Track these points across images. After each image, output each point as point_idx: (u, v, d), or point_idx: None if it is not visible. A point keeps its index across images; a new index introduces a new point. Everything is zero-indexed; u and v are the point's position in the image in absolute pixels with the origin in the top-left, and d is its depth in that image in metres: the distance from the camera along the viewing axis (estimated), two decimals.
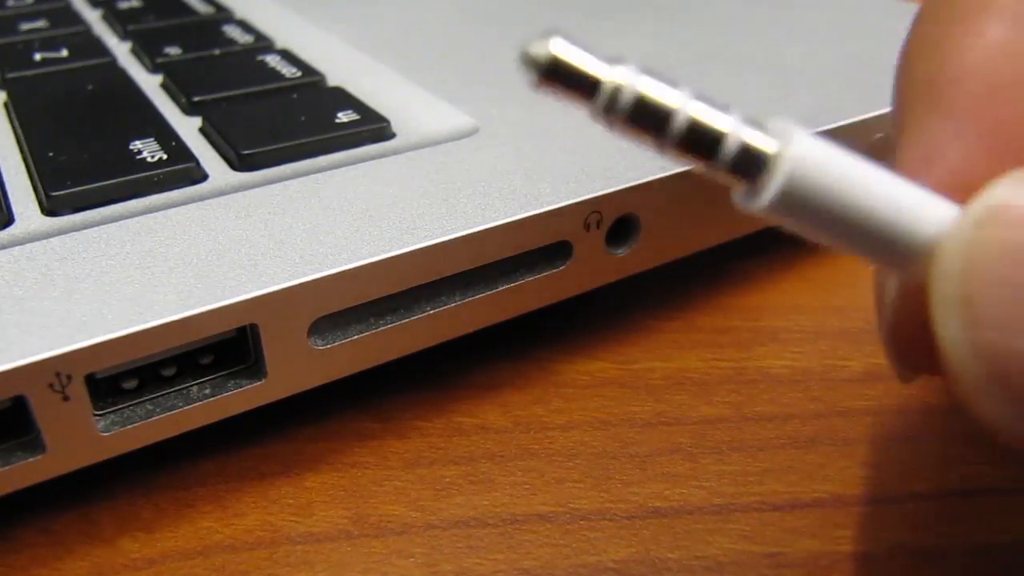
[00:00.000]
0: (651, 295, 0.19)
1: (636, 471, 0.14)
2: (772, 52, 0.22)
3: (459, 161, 0.17)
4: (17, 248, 0.14)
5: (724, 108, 0.09)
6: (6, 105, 0.19)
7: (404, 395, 0.16)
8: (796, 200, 0.09)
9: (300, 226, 0.14)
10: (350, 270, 0.13)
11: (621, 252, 0.16)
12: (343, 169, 0.16)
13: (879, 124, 0.19)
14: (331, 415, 0.16)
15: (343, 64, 0.21)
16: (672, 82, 0.08)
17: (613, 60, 0.08)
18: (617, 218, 0.16)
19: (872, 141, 0.19)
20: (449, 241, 0.14)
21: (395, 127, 0.18)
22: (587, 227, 0.15)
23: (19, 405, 0.12)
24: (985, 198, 0.09)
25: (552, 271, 0.16)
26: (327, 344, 0.14)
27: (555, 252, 0.16)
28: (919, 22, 0.11)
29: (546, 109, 0.19)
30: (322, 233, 0.14)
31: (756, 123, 0.09)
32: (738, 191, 0.09)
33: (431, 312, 0.15)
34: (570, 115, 0.18)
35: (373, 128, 0.17)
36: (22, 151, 0.17)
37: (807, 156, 0.09)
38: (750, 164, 0.09)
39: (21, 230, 0.14)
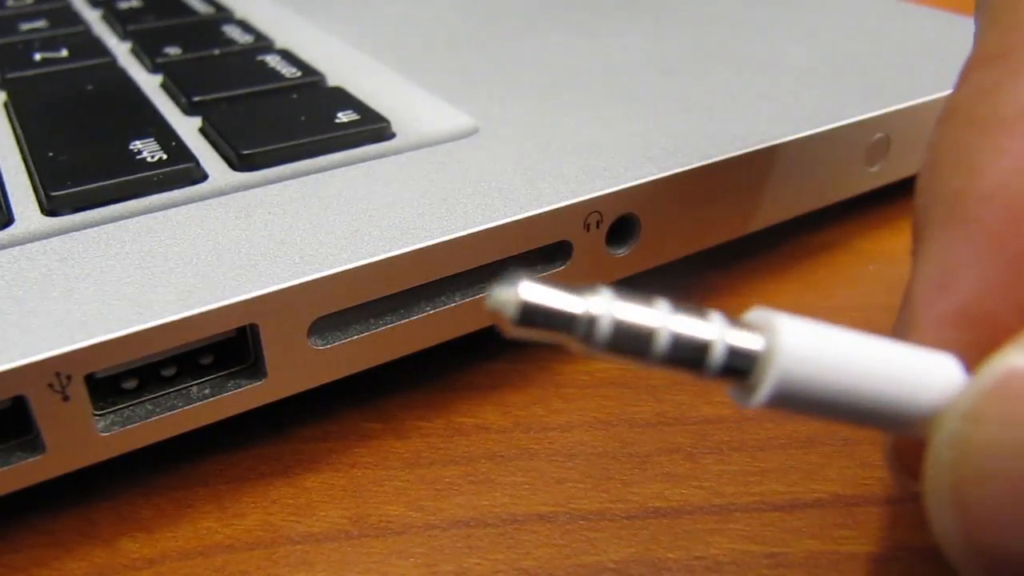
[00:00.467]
0: (651, 295, 0.19)
1: (636, 471, 0.14)
2: (772, 52, 0.22)
3: (459, 161, 0.17)
4: (17, 248, 0.14)
5: (704, 315, 0.08)
6: (6, 105, 0.19)
7: (404, 395, 0.16)
8: (791, 394, 0.08)
9: (300, 226, 0.14)
10: (350, 270, 0.13)
11: (621, 252, 0.16)
12: (343, 169, 0.16)
13: (879, 124, 0.19)
14: (331, 415, 0.16)
15: (343, 64, 0.21)
16: (648, 300, 0.08)
17: (585, 291, 0.08)
18: (617, 218, 0.16)
19: (872, 141, 0.19)
20: (449, 241, 0.14)
21: (395, 127, 0.18)
22: (587, 227, 0.15)
23: (19, 405, 0.12)
24: (979, 382, 0.08)
25: (552, 271, 0.16)
26: (327, 344, 0.14)
27: (555, 252, 0.16)
28: (943, 131, 0.10)
29: (546, 109, 0.19)
30: (322, 233, 0.14)
31: (738, 323, 0.09)
32: (732, 389, 0.09)
33: (431, 312, 0.15)
34: (570, 115, 0.18)
35: (373, 128, 0.17)
36: (22, 151, 0.17)
37: (795, 350, 0.08)
38: (740, 367, 0.08)
39: (21, 230, 0.14)
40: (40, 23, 0.24)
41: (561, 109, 0.19)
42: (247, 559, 0.13)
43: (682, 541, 0.13)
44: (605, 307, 0.08)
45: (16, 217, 0.15)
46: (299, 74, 0.20)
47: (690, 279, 0.19)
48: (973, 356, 0.09)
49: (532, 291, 0.08)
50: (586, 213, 0.15)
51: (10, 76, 0.20)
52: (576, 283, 0.08)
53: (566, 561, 0.13)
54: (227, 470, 0.14)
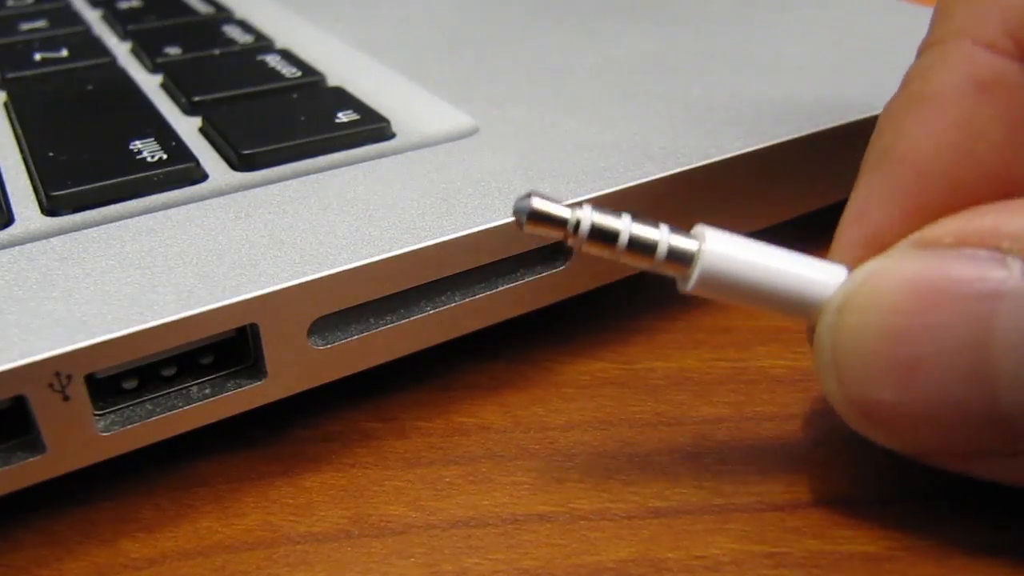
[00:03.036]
0: (651, 295, 0.19)
1: (636, 471, 0.14)
2: (772, 52, 0.22)
3: (459, 161, 0.17)
4: (17, 248, 0.14)
5: (655, 224, 0.12)
6: (6, 105, 0.19)
7: (404, 395, 0.16)
8: (713, 282, 0.12)
9: (300, 226, 0.14)
10: (350, 270, 0.13)
11: None
12: (343, 169, 0.16)
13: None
14: (331, 415, 0.16)
15: (343, 64, 0.21)
16: (617, 213, 0.12)
17: (574, 205, 0.12)
18: None
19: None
20: (449, 241, 0.14)
21: (395, 127, 0.18)
22: None
23: (19, 405, 0.12)
24: (847, 283, 0.12)
25: (552, 271, 0.16)
26: (327, 344, 0.14)
27: (555, 252, 0.16)
28: (890, 100, 0.13)
29: (546, 109, 0.19)
30: (322, 233, 0.14)
31: (680, 231, 0.12)
32: (677, 279, 0.12)
33: (431, 312, 0.15)
34: (570, 115, 0.18)
35: (373, 128, 0.17)
36: (22, 151, 0.17)
37: (716, 249, 0.12)
38: (679, 260, 0.12)
39: (21, 230, 0.14)
40: (40, 23, 0.24)
41: (561, 109, 0.19)
42: (247, 559, 0.13)
43: (682, 541, 0.13)
44: (587, 215, 0.12)
45: (16, 217, 0.15)
46: (299, 74, 0.20)
47: None
48: None
49: (539, 202, 0.12)
50: None
51: (10, 76, 0.20)
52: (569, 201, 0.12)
53: (566, 561, 0.13)
54: (227, 470, 0.14)
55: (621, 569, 0.13)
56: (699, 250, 0.12)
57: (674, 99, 0.19)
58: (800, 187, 0.19)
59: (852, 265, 0.12)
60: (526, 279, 0.15)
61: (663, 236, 0.12)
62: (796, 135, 0.18)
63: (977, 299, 0.11)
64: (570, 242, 0.12)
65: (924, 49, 0.13)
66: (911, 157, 0.12)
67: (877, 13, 0.26)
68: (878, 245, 0.12)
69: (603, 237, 0.12)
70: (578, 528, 0.13)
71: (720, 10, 0.26)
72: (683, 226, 0.13)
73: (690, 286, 0.12)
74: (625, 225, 0.12)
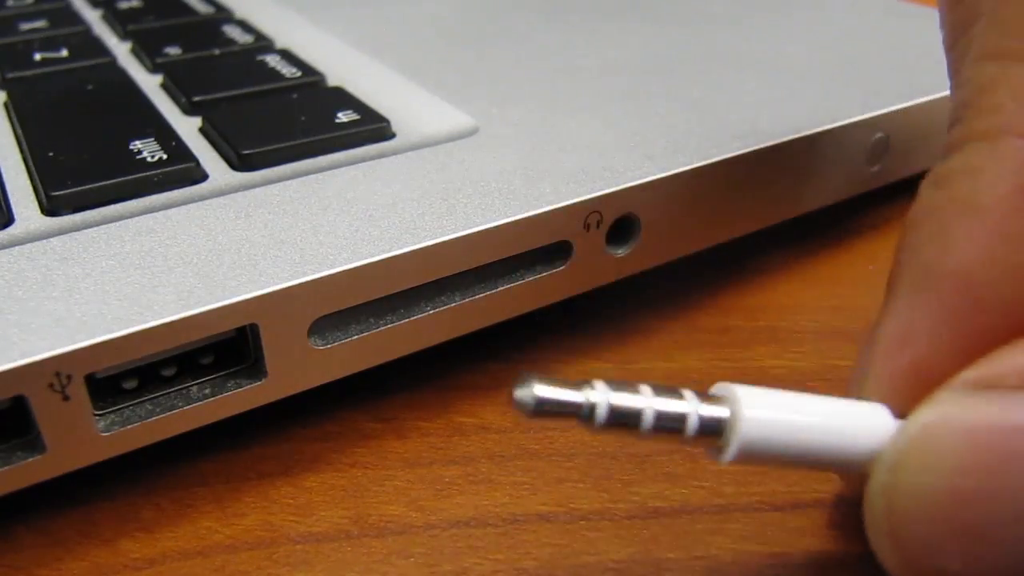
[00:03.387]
0: (651, 295, 0.19)
1: (636, 471, 0.14)
2: (772, 52, 0.22)
3: (459, 161, 0.17)
4: (17, 248, 0.14)
5: (679, 394, 0.10)
6: (6, 105, 0.19)
7: (404, 395, 0.16)
8: (753, 452, 0.11)
9: (300, 226, 0.14)
10: (350, 270, 0.13)
11: (621, 252, 0.16)
12: (343, 169, 0.16)
13: (879, 124, 0.19)
14: (331, 415, 0.16)
15: (343, 64, 0.21)
16: (634, 387, 0.10)
17: (584, 384, 0.10)
18: (617, 218, 0.16)
19: (872, 141, 0.19)
20: (449, 241, 0.14)
21: (395, 127, 0.18)
22: (587, 227, 0.15)
23: (19, 405, 0.12)
24: (900, 436, 0.10)
25: (552, 271, 0.16)
26: (327, 344, 0.14)
27: (555, 252, 0.16)
28: (928, 197, 0.12)
29: (546, 109, 0.19)
30: (322, 233, 0.14)
31: (707, 397, 0.11)
32: (708, 450, 0.11)
33: (431, 312, 0.15)
34: (570, 115, 0.18)
35: (373, 128, 0.17)
36: (22, 151, 0.17)
37: (753, 417, 0.10)
38: (712, 432, 0.10)
39: (21, 230, 0.14)
40: (40, 23, 0.24)
41: (561, 109, 0.19)
42: (247, 559, 0.13)
43: (682, 541, 0.13)
44: (601, 396, 0.10)
45: (16, 217, 0.15)
46: (299, 74, 0.20)
47: (689, 279, 0.19)
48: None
49: (543, 389, 0.10)
50: (586, 213, 0.15)
51: (10, 76, 0.20)
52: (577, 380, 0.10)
53: (566, 561, 0.13)
54: (227, 470, 0.14)
55: (621, 569, 0.13)
56: (733, 418, 0.11)
57: (674, 99, 0.19)
58: (800, 187, 0.19)
59: (898, 404, 0.11)
60: (526, 279, 0.15)
61: (691, 407, 0.10)
62: (796, 135, 0.18)
63: None
64: (585, 428, 0.10)
65: (965, 142, 0.11)
66: (962, 277, 0.11)
67: (877, 13, 0.26)
68: (926, 379, 0.11)
69: (623, 419, 0.10)
70: (578, 528, 0.13)
71: (720, 10, 0.26)
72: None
73: (729, 457, 0.11)
74: (646, 401, 0.10)
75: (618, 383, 0.10)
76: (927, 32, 0.24)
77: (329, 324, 0.14)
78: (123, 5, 0.26)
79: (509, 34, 0.24)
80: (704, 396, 0.11)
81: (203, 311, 0.12)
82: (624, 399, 0.10)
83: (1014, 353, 0.10)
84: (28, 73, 0.21)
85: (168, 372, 0.13)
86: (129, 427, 0.13)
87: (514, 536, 0.13)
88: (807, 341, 0.17)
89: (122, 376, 0.13)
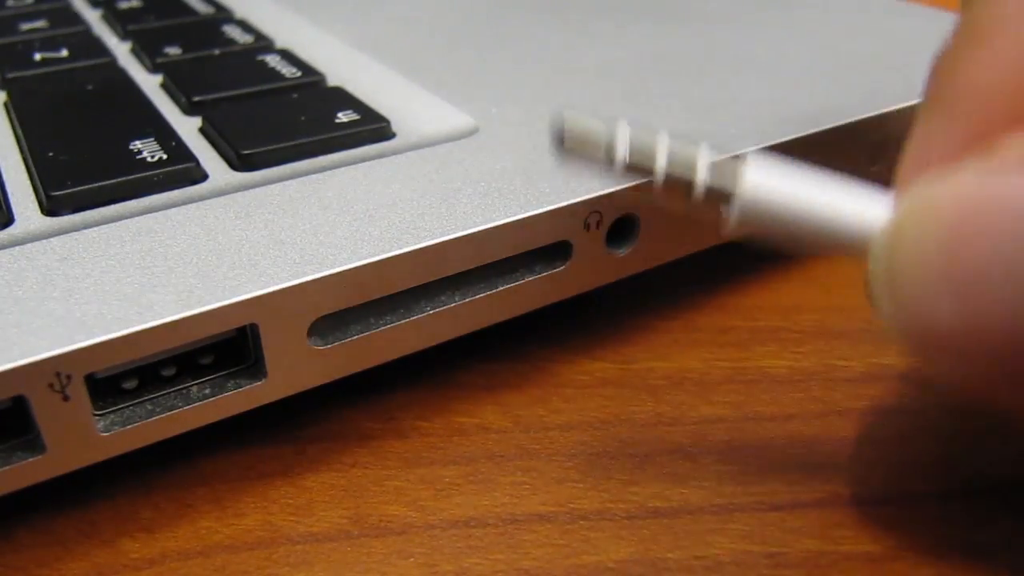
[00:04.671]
0: (651, 295, 0.19)
1: (636, 471, 0.14)
2: (772, 52, 0.22)
3: (459, 161, 0.17)
4: (17, 248, 0.14)
5: (696, 142, 0.11)
6: (6, 105, 0.19)
7: (404, 395, 0.16)
8: (756, 211, 0.11)
9: (300, 226, 0.14)
10: (350, 270, 0.13)
11: (621, 252, 0.16)
12: (343, 169, 0.16)
13: (879, 124, 0.19)
14: (331, 415, 0.16)
15: (343, 64, 0.21)
16: (653, 131, 0.11)
17: (609, 121, 0.11)
18: (617, 218, 0.16)
19: (872, 141, 0.19)
20: (449, 241, 0.14)
21: (395, 127, 0.18)
22: (587, 227, 0.15)
23: (19, 405, 0.12)
24: (903, 203, 0.11)
25: (552, 271, 0.16)
26: (327, 344, 0.14)
27: (555, 252, 0.16)
28: (951, 34, 0.13)
29: (546, 109, 0.19)
30: (322, 233, 0.14)
31: (719, 151, 0.11)
32: (720, 211, 0.11)
33: (431, 312, 0.15)
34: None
35: (373, 128, 0.17)
36: (22, 151, 0.17)
37: (759, 177, 0.11)
38: (719, 188, 0.11)
39: (21, 230, 0.14)
40: (40, 23, 0.24)
41: (561, 109, 0.19)
42: (247, 559, 0.13)
43: (682, 541, 0.13)
44: (623, 130, 0.11)
45: (16, 217, 0.15)
46: (299, 74, 0.20)
47: (689, 279, 0.19)
48: None
49: (572, 121, 0.11)
50: (586, 213, 0.15)
51: (10, 76, 0.20)
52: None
53: (566, 561, 0.13)
54: (227, 470, 0.14)
55: (621, 569, 0.13)
56: (741, 175, 0.11)
57: (674, 99, 0.19)
58: None
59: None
60: (526, 279, 0.15)
61: (705, 154, 0.11)
62: (796, 135, 0.18)
63: None
64: (607, 166, 0.12)
65: None
66: (972, 86, 0.12)
67: (877, 13, 0.26)
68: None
69: (639, 158, 0.11)
70: (578, 528, 0.13)
71: (720, 10, 0.26)
72: None
73: (733, 214, 0.11)
74: (665, 143, 0.11)
75: (640, 126, 0.11)
76: (927, 32, 0.24)
77: (329, 324, 0.14)
78: (123, 5, 0.26)
79: (509, 34, 0.24)
80: (717, 148, 0.12)
81: (203, 311, 0.12)
82: (644, 136, 0.11)
83: (1019, 137, 0.11)
84: (28, 73, 0.21)
85: (168, 372, 0.13)
86: (129, 427, 0.13)
87: (514, 536, 0.13)
88: (807, 341, 0.17)
89: (122, 376, 0.13)
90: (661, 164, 0.11)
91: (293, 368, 0.14)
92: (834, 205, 0.11)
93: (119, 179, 0.15)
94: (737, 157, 0.11)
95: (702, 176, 0.11)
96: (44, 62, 0.21)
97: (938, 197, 0.11)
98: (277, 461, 0.15)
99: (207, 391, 0.13)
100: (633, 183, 0.16)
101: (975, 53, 0.12)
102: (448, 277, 0.15)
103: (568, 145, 0.11)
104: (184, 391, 0.13)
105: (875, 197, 0.12)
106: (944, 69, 0.12)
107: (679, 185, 0.11)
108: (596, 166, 0.11)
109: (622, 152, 0.11)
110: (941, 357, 0.11)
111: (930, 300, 0.11)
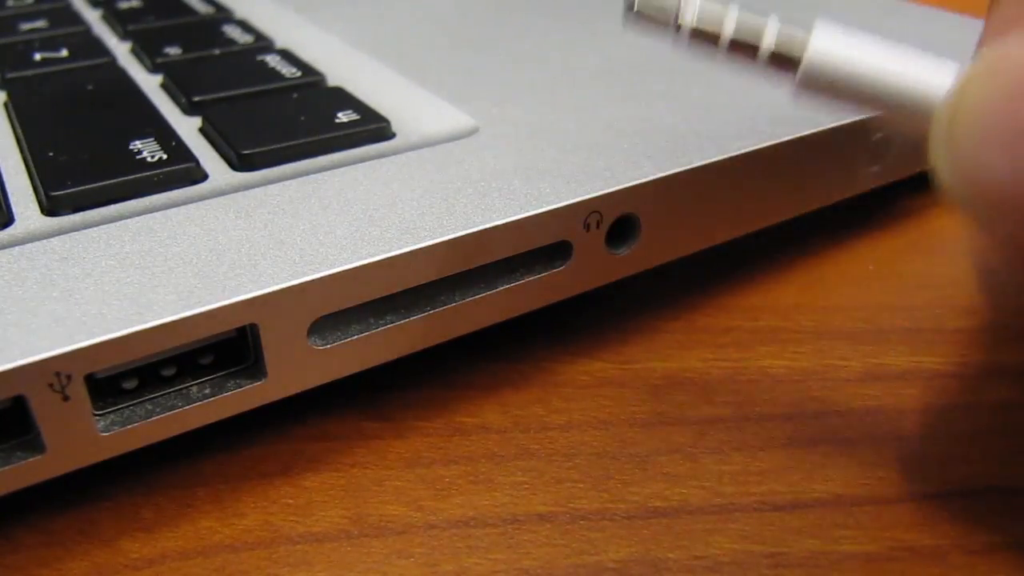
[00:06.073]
0: (651, 295, 0.19)
1: (636, 471, 0.14)
2: None
3: (459, 161, 0.17)
4: (17, 248, 0.14)
5: (764, 13, 0.12)
6: (6, 105, 0.19)
7: (404, 395, 0.16)
8: (821, 73, 0.12)
9: (300, 226, 0.14)
10: (350, 270, 0.13)
11: (621, 252, 0.16)
12: (343, 169, 0.16)
13: (879, 124, 0.19)
14: (331, 415, 0.16)
15: (343, 64, 0.21)
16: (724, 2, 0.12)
17: None
18: (617, 218, 0.16)
19: (872, 141, 0.19)
20: (449, 241, 0.14)
21: (395, 127, 0.18)
22: (587, 227, 0.15)
23: (19, 405, 0.12)
24: (970, 65, 0.11)
25: (552, 271, 0.16)
26: (327, 344, 0.14)
27: (555, 252, 0.16)
28: None
29: (546, 109, 0.19)
30: (322, 233, 0.14)
31: (787, 21, 0.12)
32: (786, 76, 0.12)
33: (431, 312, 0.15)
34: (570, 115, 0.18)
35: (373, 128, 0.17)
36: (22, 151, 0.17)
37: (826, 39, 0.12)
38: (785, 53, 0.12)
39: (21, 230, 0.14)
40: (40, 23, 0.24)
41: (561, 109, 0.19)
42: (247, 559, 0.13)
43: (682, 541, 0.13)
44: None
45: (16, 217, 0.15)
46: (299, 74, 0.20)
47: (689, 279, 0.19)
48: None
49: None
50: (586, 213, 0.15)
51: (10, 76, 0.20)
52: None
53: (566, 561, 0.13)
54: (227, 470, 0.14)
55: (621, 569, 0.13)
56: (806, 39, 0.12)
57: (674, 99, 0.19)
58: (800, 187, 0.19)
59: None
60: (526, 279, 0.15)
61: (772, 24, 0.12)
62: (796, 135, 0.18)
63: None
64: (673, 31, 0.12)
65: None
66: None
67: (877, 13, 0.26)
68: None
69: (710, 23, 0.12)
70: (578, 528, 0.13)
71: None
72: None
73: (798, 78, 0.12)
74: (733, 12, 0.12)
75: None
76: (927, 32, 0.24)
77: (329, 324, 0.14)
78: (123, 5, 0.26)
79: (509, 34, 0.24)
80: (784, 19, 0.12)
81: (203, 311, 0.12)
82: (713, 3, 0.12)
83: None
84: (28, 73, 0.21)
85: (168, 372, 0.13)
86: (129, 427, 0.13)
87: (514, 536, 0.13)
88: (807, 341, 0.17)
89: (122, 376, 0.13)
90: (728, 30, 0.12)
91: (293, 368, 0.14)
92: (901, 72, 0.12)
93: (119, 179, 0.15)
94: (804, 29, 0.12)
95: (768, 43, 0.12)
96: (44, 62, 0.21)
97: (1000, 58, 0.11)
98: (277, 461, 0.15)
99: (207, 391, 0.13)
100: (635, 183, 0.16)
101: None
102: (448, 277, 0.15)
103: (638, 8, 0.12)
104: (184, 391, 0.13)
105: (942, 63, 0.12)
106: None
107: (746, 50, 0.12)
108: (663, 32, 0.12)
109: (690, 17, 0.11)
110: (996, 215, 0.11)
111: (986, 156, 0.11)
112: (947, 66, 0.12)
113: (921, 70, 0.12)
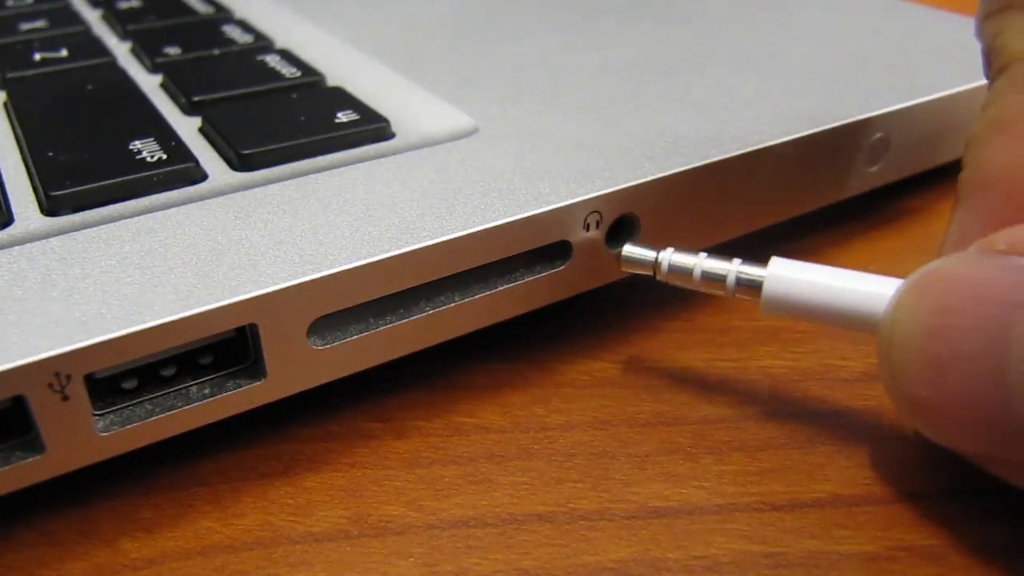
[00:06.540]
0: (651, 295, 0.19)
1: (636, 471, 0.14)
2: (772, 52, 0.22)
3: (459, 161, 0.17)
4: (17, 248, 0.14)
5: (727, 259, 0.15)
6: (6, 105, 0.19)
7: (404, 395, 0.16)
8: (780, 302, 0.14)
9: (300, 226, 0.14)
10: (350, 270, 0.13)
11: None
12: (343, 169, 0.16)
13: (879, 124, 0.19)
14: (331, 415, 0.16)
15: (343, 64, 0.21)
16: (694, 251, 0.15)
17: (658, 248, 0.15)
18: (617, 218, 0.16)
19: (872, 141, 0.19)
20: (449, 241, 0.14)
21: (395, 127, 0.18)
22: (587, 227, 0.15)
23: (19, 405, 0.12)
24: (904, 285, 0.12)
25: (552, 271, 0.16)
26: (327, 344, 0.14)
27: (555, 252, 0.16)
28: (974, 127, 0.14)
29: (546, 109, 0.19)
30: (322, 233, 0.14)
31: (750, 263, 0.14)
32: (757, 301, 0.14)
33: (431, 312, 0.15)
34: (570, 115, 0.18)
35: (373, 128, 0.17)
36: (22, 151, 0.17)
37: (780, 275, 0.14)
38: (749, 287, 0.14)
39: (21, 230, 0.14)
40: (40, 23, 0.24)
41: (561, 109, 0.19)
42: (247, 559, 0.13)
43: (682, 541, 0.13)
44: (667, 255, 0.15)
45: (16, 217, 0.15)
46: (299, 74, 0.20)
47: None
48: None
49: (628, 249, 0.16)
50: (586, 213, 0.15)
51: (10, 76, 0.20)
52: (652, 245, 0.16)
53: (566, 561, 0.13)
54: (227, 470, 0.14)
55: (621, 569, 0.13)
56: (764, 277, 0.14)
57: (674, 99, 0.19)
58: (800, 187, 0.19)
59: None
60: (526, 279, 0.15)
61: (735, 267, 0.14)
62: (796, 135, 0.18)
63: (1000, 306, 0.11)
64: (657, 276, 0.15)
65: (994, 79, 0.14)
66: (998, 181, 0.13)
67: (877, 13, 0.26)
68: None
69: (681, 271, 0.15)
70: (578, 528, 0.13)
71: (720, 10, 0.26)
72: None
73: (762, 306, 0.14)
74: (699, 260, 0.15)
75: (683, 249, 0.15)
76: (927, 32, 0.24)
77: (329, 324, 0.14)
78: (123, 5, 0.26)
79: (509, 34, 0.24)
80: (747, 262, 0.14)
81: (203, 311, 0.12)
82: (684, 257, 0.15)
83: (1016, 227, 0.12)
84: (28, 73, 0.21)
85: (168, 372, 0.13)
86: (129, 427, 0.13)
87: (513, 536, 0.13)
88: (807, 341, 0.17)
89: (122, 376, 0.13)
90: (697, 275, 0.15)
91: (293, 368, 0.14)
92: (847, 292, 0.13)
93: (119, 179, 0.15)
94: (761, 262, 0.14)
95: (731, 282, 0.14)
96: (44, 62, 0.21)
97: (930, 280, 0.12)
98: (277, 461, 0.15)
99: (207, 391, 0.13)
100: (635, 183, 0.16)
101: (1001, 145, 0.13)
102: (448, 277, 0.15)
103: (623, 265, 0.15)
104: (184, 391, 0.13)
105: (885, 282, 0.13)
106: (973, 156, 0.13)
107: (715, 287, 0.15)
108: (646, 273, 0.15)
109: (665, 268, 0.15)
110: (923, 427, 0.12)
111: (912, 376, 0.12)
112: (889, 284, 0.13)
113: (865, 292, 0.13)
